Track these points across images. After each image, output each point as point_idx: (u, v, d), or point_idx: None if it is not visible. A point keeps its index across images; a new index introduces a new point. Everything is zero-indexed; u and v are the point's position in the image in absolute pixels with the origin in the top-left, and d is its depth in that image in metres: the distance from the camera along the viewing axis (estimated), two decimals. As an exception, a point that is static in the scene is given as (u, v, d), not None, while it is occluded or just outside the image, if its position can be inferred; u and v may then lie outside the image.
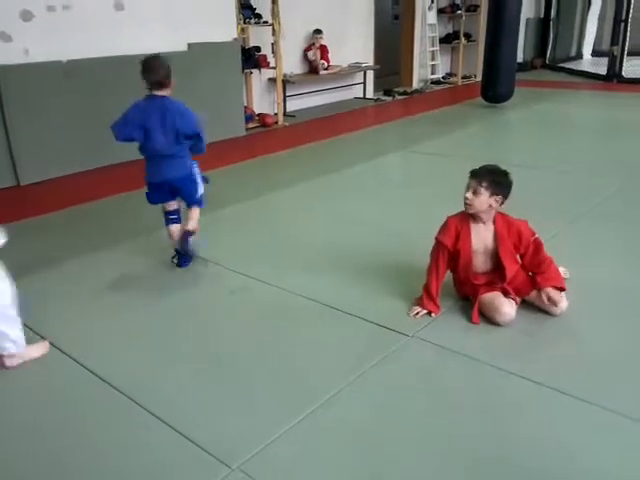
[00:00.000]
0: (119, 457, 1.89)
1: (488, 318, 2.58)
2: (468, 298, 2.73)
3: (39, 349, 2.41)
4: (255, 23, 6.89)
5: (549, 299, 2.56)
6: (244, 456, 1.85)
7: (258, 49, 7.07)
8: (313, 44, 7.92)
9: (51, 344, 2.49)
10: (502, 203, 2.57)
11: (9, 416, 2.10)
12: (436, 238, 2.67)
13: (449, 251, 2.64)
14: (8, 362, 2.33)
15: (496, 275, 2.66)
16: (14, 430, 2.03)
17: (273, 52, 7.04)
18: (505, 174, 2.58)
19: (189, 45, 5.96)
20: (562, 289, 2.60)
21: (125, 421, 2.06)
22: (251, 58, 6.92)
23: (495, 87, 7.60)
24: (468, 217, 2.63)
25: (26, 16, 4.86)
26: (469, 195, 2.54)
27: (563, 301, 2.59)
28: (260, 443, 1.90)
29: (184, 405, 2.12)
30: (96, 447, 1.94)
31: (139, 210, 4.27)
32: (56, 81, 5.03)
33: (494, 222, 2.62)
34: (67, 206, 4.39)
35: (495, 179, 2.52)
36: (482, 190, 2.50)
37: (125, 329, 2.66)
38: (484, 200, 2.52)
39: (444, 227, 2.67)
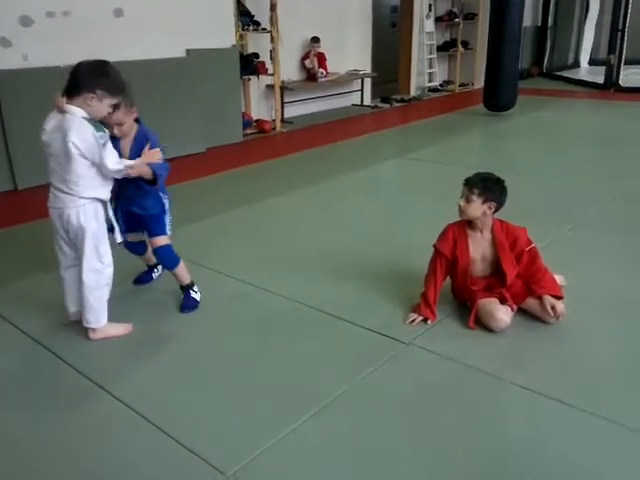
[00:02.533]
0: (111, 462, 1.88)
1: (484, 324, 2.58)
2: (465, 304, 2.74)
3: (120, 329, 2.59)
4: (254, 30, 6.92)
5: (553, 309, 2.56)
6: (238, 463, 1.84)
7: (256, 56, 7.10)
8: (310, 52, 7.96)
9: (45, 346, 2.50)
10: (496, 210, 2.58)
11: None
12: (434, 246, 2.68)
13: (447, 259, 2.65)
14: (91, 335, 2.55)
15: (495, 280, 2.67)
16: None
17: (271, 59, 7.07)
18: (498, 181, 2.59)
19: (188, 51, 5.99)
20: (559, 297, 2.61)
21: (118, 426, 2.05)
22: (249, 64, 6.95)
23: (497, 96, 7.63)
24: (466, 225, 2.64)
25: (26, 22, 4.88)
26: (462, 202, 2.56)
27: (561, 309, 2.59)
28: (255, 450, 1.90)
29: (178, 411, 2.11)
30: (85, 449, 1.93)
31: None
32: (55, 86, 5.03)
33: (492, 230, 2.63)
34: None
35: (487, 186, 2.54)
36: (474, 197, 2.52)
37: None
38: (476, 207, 2.53)
39: (442, 235, 2.68)
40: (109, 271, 2.51)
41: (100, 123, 2.37)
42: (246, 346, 2.54)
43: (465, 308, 2.72)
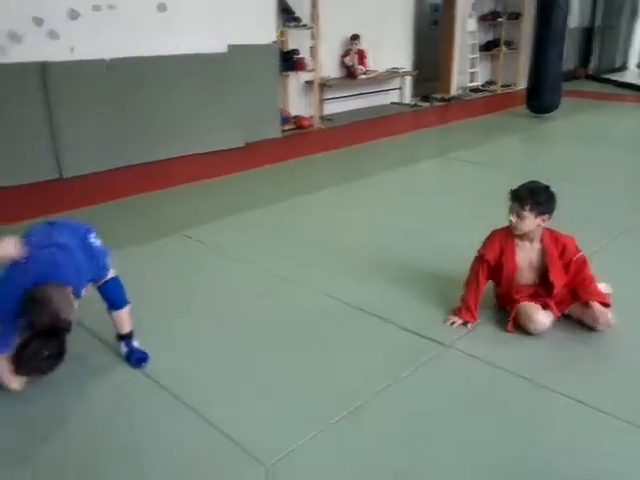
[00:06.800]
0: (152, 446, 1.91)
1: (522, 327, 2.51)
2: (507, 309, 2.66)
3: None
4: (294, 26, 6.90)
5: (600, 316, 2.46)
6: (277, 455, 1.86)
7: (296, 52, 7.09)
8: (350, 49, 7.90)
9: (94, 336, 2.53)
10: (549, 219, 2.50)
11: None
12: (478, 252, 2.61)
13: (490, 266, 2.58)
14: None
15: (541, 289, 2.59)
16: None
17: (311, 55, 7.04)
18: (546, 190, 2.49)
19: (229, 47, 6.01)
20: (607, 305, 2.51)
21: (166, 416, 2.07)
22: (289, 61, 6.94)
23: (540, 97, 7.44)
24: (513, 233, 2.56)
25: (73, 15, 4.97)
26: (514, 219, 2.46)
27: (609, 317, 2.50)
28: (293, 444, 1.90)
29: (221, 403, 2.13)
30: (135, 437, 1.96)
31: (171, 209, 4.33)
32: (100, 78, 5.13)
33: (541, 239, 2.54)
34: (105, 200, 4.45)
35: (538, 200, 2.43)
36: (526, 214, 2.43)
37: (159, 324, 2.67)
38: (530, 222, 2.45)
39: (487, 242, 2.61)
40: None
41: None
42: (282, 342, 2.52)
43: (506, 312, 2.65)
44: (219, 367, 2.36)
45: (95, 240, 2.33)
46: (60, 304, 1.97)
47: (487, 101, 9.58)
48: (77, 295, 2.12)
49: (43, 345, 1.97)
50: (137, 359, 2.36)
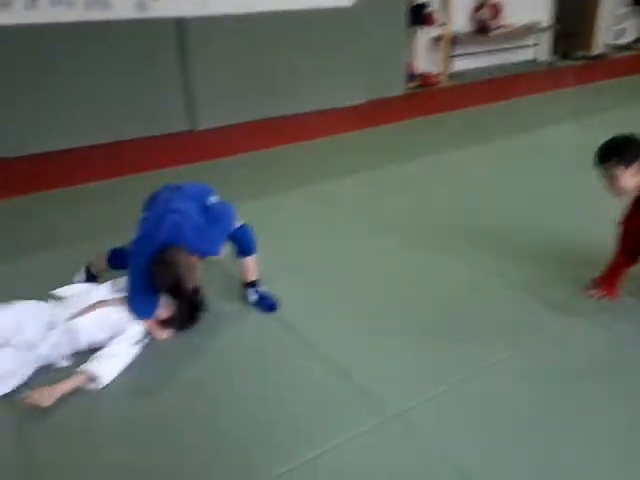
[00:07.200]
0: (276, 384, 2.00)
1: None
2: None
3: None
4: (426, -22, 6.59)
5: None
6: (398, 407, 1.86)
7: (426, 5, 6.77)
8: (483, 3, 7.41)
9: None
10: None
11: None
12: (618, 222, 2.39)
13: (629, 234, 2.34)
14: None
15: None
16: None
17: (442, 9, 6.70)
18: (626, 139, 2.21)
19: (355, 0, 5.85)
20: None
21: (293, 359, 2.13)
22: (418, 15, 6.66)
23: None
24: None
25: (208, -31, 5.07)
26: (607, 185, 2.21)
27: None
28: (415, 399, 1.90)
29: (352, 350, 2.16)
30: (261, 375, 2.05)
31: (299, 163, 4.36)
32: (231, 33, 5.23)
33: None
34: (236, 153, 4.59)
35: (619, 152, 2.16)
36: (613, 172, 2.16)
37: (287, 272, 2.70)
38: (626, 178, 2.16)
39: (624, 210, 2.37)
40: None
41: None
42: (407, 300, 2.48)
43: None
44: (351, 317, 2.37)
45: (216, 201, 2.38)
46: (185, 272, 2.08)
47: (636, 61, 8.63)
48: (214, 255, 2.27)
49: (183, 306, 2.21)
50: (268, 304, 2.41)
